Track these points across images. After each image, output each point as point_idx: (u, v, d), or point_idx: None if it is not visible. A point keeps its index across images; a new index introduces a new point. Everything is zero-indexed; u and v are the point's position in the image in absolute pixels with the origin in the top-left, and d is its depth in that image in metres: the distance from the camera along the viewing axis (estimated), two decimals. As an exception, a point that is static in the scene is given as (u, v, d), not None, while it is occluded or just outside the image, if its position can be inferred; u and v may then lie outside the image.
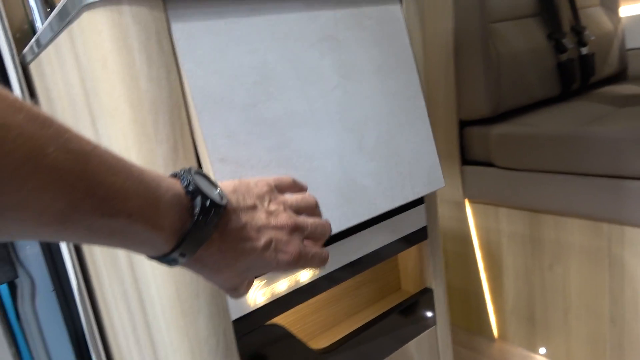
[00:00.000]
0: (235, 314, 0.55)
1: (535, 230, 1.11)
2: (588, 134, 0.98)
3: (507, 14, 1.28)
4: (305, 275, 0.62)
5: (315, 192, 0.54)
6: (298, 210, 0.44)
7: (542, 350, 1.17)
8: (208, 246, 0.36)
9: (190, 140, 0.51)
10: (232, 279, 0.41)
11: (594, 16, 1.54)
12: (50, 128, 0.26)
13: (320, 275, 0.63)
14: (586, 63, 1.42)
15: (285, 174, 0.52)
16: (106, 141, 0.53)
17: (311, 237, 0.44)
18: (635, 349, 0.97)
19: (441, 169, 0.71)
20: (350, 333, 0.72)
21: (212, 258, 0.37)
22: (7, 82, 0.79)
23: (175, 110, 0.49)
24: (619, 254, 0.96)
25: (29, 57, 0.75)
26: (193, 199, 0.35)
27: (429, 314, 0.81)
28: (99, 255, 0.75)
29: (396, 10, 0.69)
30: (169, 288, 0.52)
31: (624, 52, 1.62)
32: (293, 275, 0.61)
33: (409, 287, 0.85)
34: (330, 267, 0.64)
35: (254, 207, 0.40)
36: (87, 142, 0.29)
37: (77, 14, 0.49)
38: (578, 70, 1.41)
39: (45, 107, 0.76)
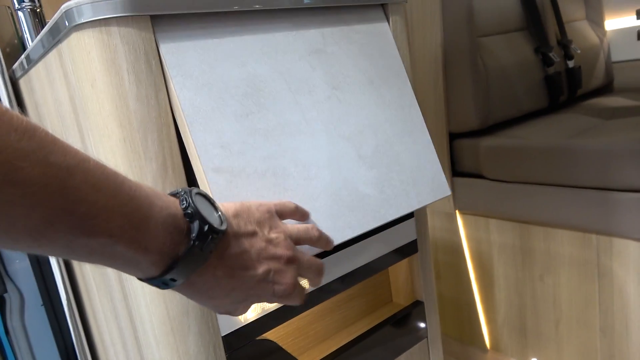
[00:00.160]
0: (225, 330, 0.55)
1: (525, 242, 1.11)
2: (576, 146, 0.99)
3: (495, 28, 1.30)
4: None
5: (315, 201, 0.54)
6: (298, 240, 0.43)
7: (534, 361, 1.17)
8: (203, 272, 0.35)
9: (179, 159, 0.51)
10: (226, 306, 0.39)
11: (580, 30, 1.57)
12: (30, 140, 0.25)
13: (311, 289, 0.63)
14: (573, 76, 1.45)
15: (281, 184, 0.52)
16: (95, 159, 0.53)
17: (303, 275, 0.43)
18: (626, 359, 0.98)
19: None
20: (341, 346, 0.71)
21: (206, 285, 0.36)
22: (-3, 97, 0.79)
23: (165, 128, 0.49)
24: (608, 265, 0.97)
25: (18, 73, 0.76)
26: (191, 222, 0.33)
27: (421, 326, 0.81)
28: (88, 270, 0.75)
29: (384, 26, 0.70)
30: (159, 305, 0.52)
31: (609, 65, 1.65)
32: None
33: (400, 300, 0.85)
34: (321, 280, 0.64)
35: (253, 234, 0.39)
36: (74, 156, 0.27)
37: (67, 34, 0.49)
38: (565, 83, 1.43)
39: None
